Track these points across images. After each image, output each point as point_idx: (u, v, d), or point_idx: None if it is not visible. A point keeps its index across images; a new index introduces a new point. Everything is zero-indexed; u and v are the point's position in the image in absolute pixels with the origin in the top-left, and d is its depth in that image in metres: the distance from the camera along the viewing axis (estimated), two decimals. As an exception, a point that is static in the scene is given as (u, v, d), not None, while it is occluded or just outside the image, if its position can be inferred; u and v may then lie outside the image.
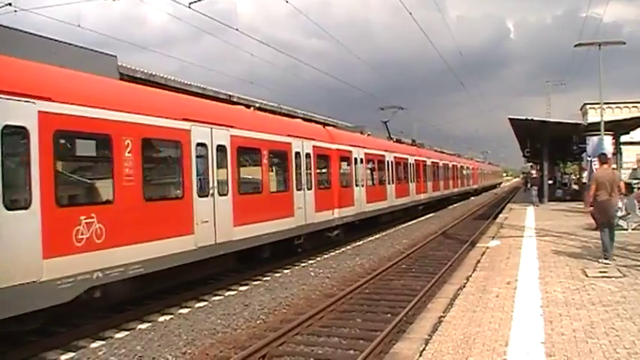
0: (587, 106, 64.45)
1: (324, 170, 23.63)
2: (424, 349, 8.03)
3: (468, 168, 71.50)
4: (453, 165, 58.14)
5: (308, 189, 21.01)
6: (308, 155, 21.31)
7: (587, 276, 12.82)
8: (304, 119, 28.96)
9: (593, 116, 42.83)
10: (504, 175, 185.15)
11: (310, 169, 21.46)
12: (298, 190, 20.28)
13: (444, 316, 9.88)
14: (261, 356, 10.01)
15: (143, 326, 12.25)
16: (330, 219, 23.04)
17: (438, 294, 12.33)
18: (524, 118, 34.39)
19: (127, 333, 11.76)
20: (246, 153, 17.39)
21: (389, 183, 32.60)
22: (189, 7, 18.21)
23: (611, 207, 14.84)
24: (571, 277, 12.86)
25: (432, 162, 46.56)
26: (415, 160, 39.98)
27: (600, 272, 13.15)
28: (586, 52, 38.63)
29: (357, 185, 26.54)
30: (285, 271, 18.74)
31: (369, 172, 29.42)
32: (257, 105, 23.71)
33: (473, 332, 8.74)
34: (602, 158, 15.98)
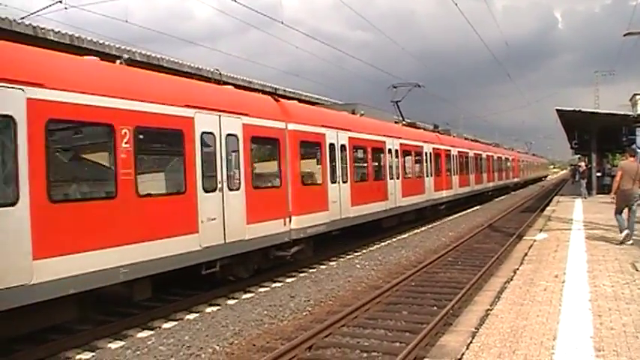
0: (637, 97, 63.15)
1: (267, 161, 17.04)
2: (471, 342, 8.03)
3: (507, 159, 63.32)
4: (487, 155, 50.50)
5: (232, 189, 14.20)
6: (232, 138, 14.49)
7: (637, 270, 12.64)
8: (247, 88, 22.88)
9: (643, 107, 42.03)
10: (551, 167, 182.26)
11: (237, 159, 14.67)
12: (209, 191, 13.38)
13: (491, 309, 9.85)
14: (308, 347, 10.07)
15: (191, 317, 12.46)
16: (280, 232, 16.12)
17: (485, 287, 12.30)
18: (571, 109, 33.84)
19: (175, 323, 11.97)
20: (75, 132, 11.17)
21: (391, 177, 25.34)
22: (235, 1, 18.33)
23: (631, 195, 16.41)
24: (620, 270, 12.68)
25: (459, 152, 39.14)
26: (434, 148, 32.75)
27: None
28: (636, 42, 37.89)
29: (334, 182, 19.52)
30: (331, 263, 18.84)
31: (359, 163, 22.71)
32: (125, 57, 13.75)
33: (520, 325, 8.70)
34: (630, 151, 18.74)
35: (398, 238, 24.39)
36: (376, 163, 24.44)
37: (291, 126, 17.12)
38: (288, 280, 16.23)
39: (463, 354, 7.59)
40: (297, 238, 16.95)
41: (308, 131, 18.15)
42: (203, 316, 12.35)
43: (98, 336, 11.14)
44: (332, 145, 19.58)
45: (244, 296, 14.34)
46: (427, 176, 31.05)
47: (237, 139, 14.65)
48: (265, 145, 16.71)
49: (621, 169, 16.97)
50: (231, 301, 13.84)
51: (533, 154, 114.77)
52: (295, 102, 19.94)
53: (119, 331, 11.50)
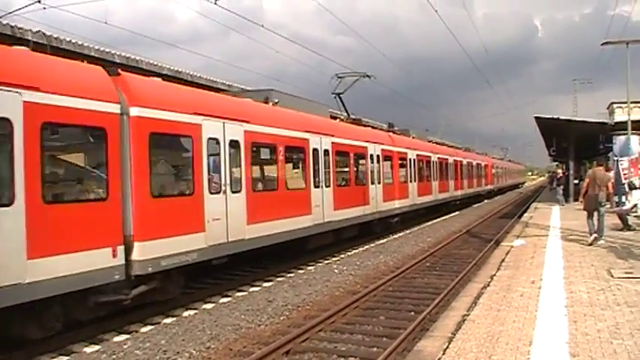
0: (614, 105, 63.72)
1: (83, 159, 12.11)
2: (448, 347, 8.04)
3: (479, 165, 58.29)
4: (455, 160, 45.18)
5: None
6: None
7: (612, 276, 12.74)
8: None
9: (620, 115, 42.54)
10: (530, 174, 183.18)
11: (8, 156, 9.51)
12: None
13: (467, 315, 9.88)
14: (285, 352, 10.04)
15: (168, 321, 12.39)
16: (103, 268, 10.80)
17: (462, 292, 12.35)
18: (550, 116, 34.15)
19: (151, 327, 11.90)
20: None
21: (317, 185, 20.04)
22: (216, 4, 18.32)
23: (596, 199, 18.05)
24: (596, 277, 12.78)
25: (419, 155, 33.90)
26: (384, 150, 27.37)
27: (626, 273, 13.06)
28: (613, 51, 38.35)
29: (216, 192, 14.20)
30: (309, 267, 18.77)
31: (263, 167, 17.71)
32: None
33: (497, 331, 8.73)
34: (599, 160, 21.31)
35: (376, 243, 24.38)
36: (293, 167, 19.49)
37: (136, 111, 11.95)
38: (266, 284, 16.17)
39: (439, 359, 7.61)
40: (144, 273, 11.86)
41: (168, 120, 12.83)
42: (180, 320, 12.28)
43: (73, 340, 11.03)
44: (214, 141, 14.36)
45: (222, 300, 14.28)
46: (373, 183, 25.64)
47: (12, 127, 9.48)
48: (79, 136, 11.69)
49: (589, 176, 18.95)
50: (208, 305, 13.79)
51: (510, 160, 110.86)
52: (156, 79, 14.24)
53: (95, 335, 11.40)
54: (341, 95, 28.78)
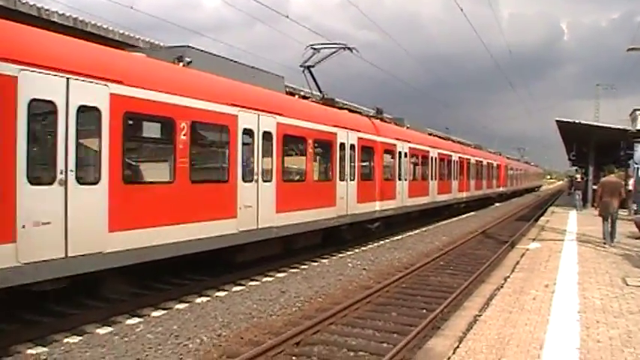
0: (637, 112, 63.34)
1: None
2: (458, 347, 8.05)
3: (490, 165, 52.48)
4: (460, 158, 39.82)
5: None
6: None
7: (627, 284, 12.70)
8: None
9: (642, 122, 42.51)
10: (548, 177, 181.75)
11: None
12: None
13: (479, 315, 9.88)
14: (295, 343, 10.06)
15: (180, 306, 12.44)
16: None
17: (475, 293, 12.33)
18: (571, 121, 33.94)
19: (164, 312, 11.97)
20: None
21: (249, 179, 14.96)
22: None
23: (610, 206, 19.12)
24: (611, 284, 12.73)
25: (412, 149, 28.30)
26: (361, 139, 22.12)
27: (641, 281, 13.01)
28: (638, 57, 38.03)
29: (42, 183, 9.53)
30: (323, 260, 18.80)
31: (145, 150, 12.73)
32: None
33: (508, 333, 8.72)
34: (609, 170, 22.90)
35: (391, 239, 24.38)
36: (207, 153, 14.57)
37: None
38: (279, 275, 16.22)
39: (449, 358, 7.61)
40: None
41: None
42: (192, 306, 12.34)
43: (86, 321, 11.12)
44: (45, 107, 9.62)
45: (234, 289, 14.32)
46: (342, 180, 20.53)
47: None
48: None
49: (601, 184, 20.33)
50: (221, 293, 13.83)
51: (527, 162, 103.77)
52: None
53: (108, 317, 11.47)
54: (312, 69, 23.18)
